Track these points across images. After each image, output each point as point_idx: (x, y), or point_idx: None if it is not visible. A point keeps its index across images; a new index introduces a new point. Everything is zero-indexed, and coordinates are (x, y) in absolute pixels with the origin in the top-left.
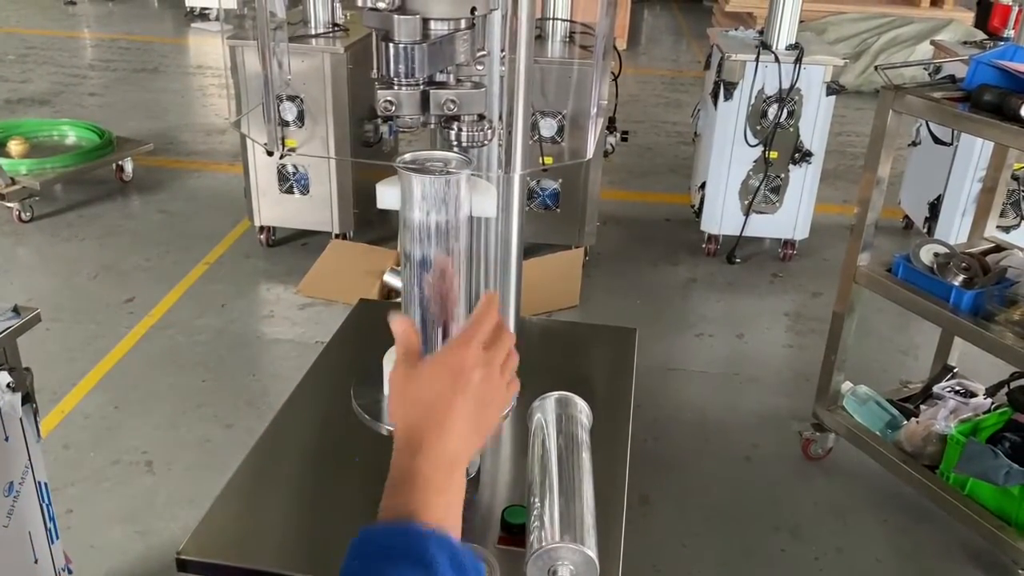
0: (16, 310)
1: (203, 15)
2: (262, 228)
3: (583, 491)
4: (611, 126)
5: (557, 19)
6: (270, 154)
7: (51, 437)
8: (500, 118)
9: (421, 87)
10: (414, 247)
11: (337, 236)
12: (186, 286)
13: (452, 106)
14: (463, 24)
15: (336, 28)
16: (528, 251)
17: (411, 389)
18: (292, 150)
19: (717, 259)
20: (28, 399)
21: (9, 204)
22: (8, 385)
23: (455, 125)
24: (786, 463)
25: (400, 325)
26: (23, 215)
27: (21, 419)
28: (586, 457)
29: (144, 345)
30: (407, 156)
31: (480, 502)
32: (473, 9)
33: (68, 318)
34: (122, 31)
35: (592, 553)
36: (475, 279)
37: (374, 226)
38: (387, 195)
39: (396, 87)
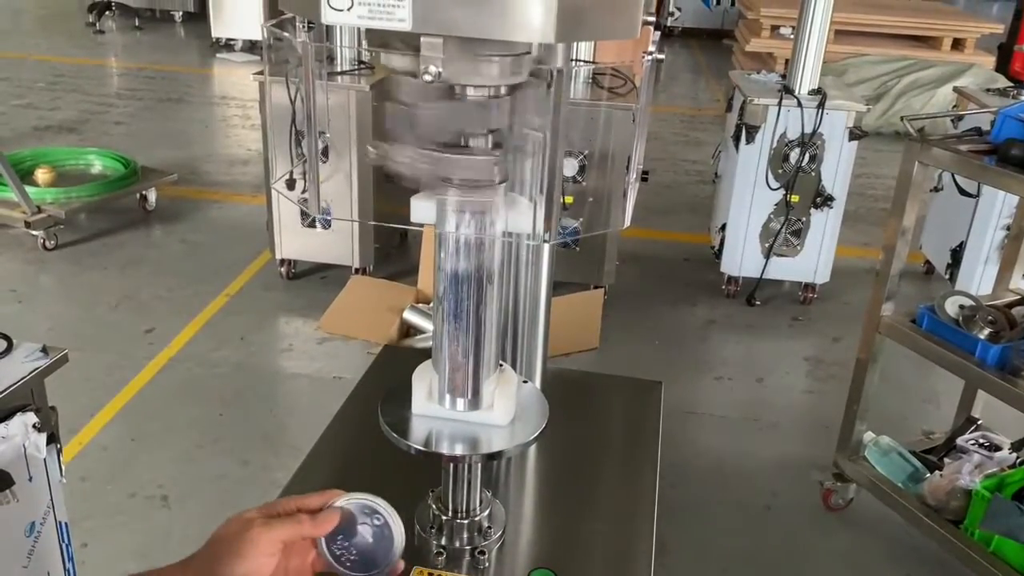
0: (44, 350)
1: (228, 46)
2: (283, 261)
3: None
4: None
5: (580, 61)
6: (288, 181)
7: (68, 469)
8: (540, 191)
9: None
10: (447, 261)
11: (357, 270)
12: (206, 318)
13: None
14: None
15: (362, 65)
16: None
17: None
18: None
19: (737, 301)
20: (53, 439)
21: (34, 232)
22: (34, 426)
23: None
24: (806, 513)
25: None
26: (48, 243)
27: (45, 459)
28: None
29: (163, 377)
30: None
31: (504, 563)
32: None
33: (88, 348)
34: (149, 60)
35: None
36: (507, 328)
37: (393, 260)
38: (422, 209)
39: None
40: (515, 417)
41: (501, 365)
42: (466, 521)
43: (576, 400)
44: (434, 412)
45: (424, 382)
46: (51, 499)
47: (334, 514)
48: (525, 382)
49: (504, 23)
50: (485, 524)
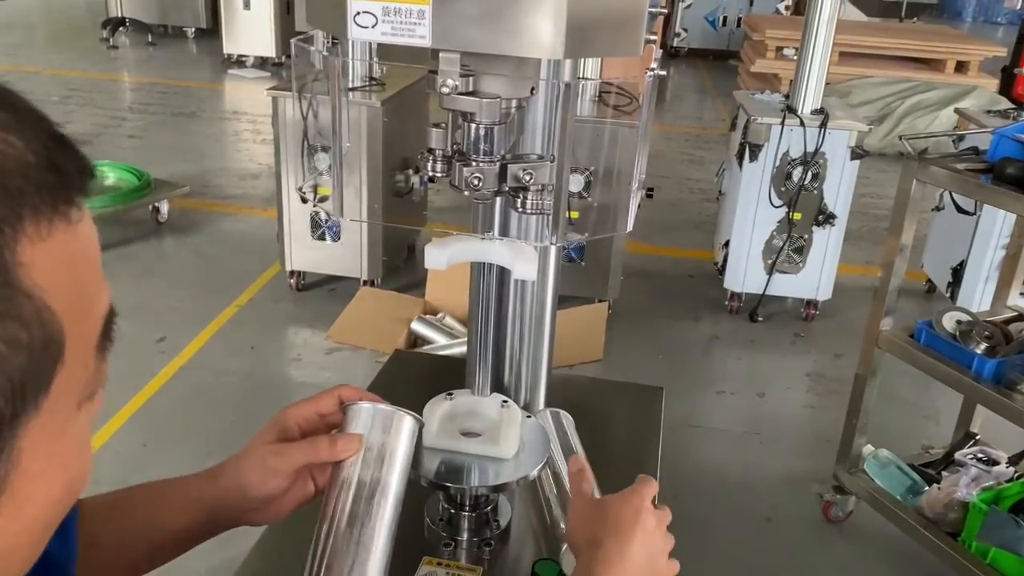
0: None
1: (240, 62)
2: (292, 273)
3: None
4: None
5: (587, 79)
6: (300, 196)
7: None
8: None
9: (498, 162)
10: None
11: (366, 282)
12: (216, 328)
13: (528, 178)
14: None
15: (373, 81)
16: None
17: (597, 515)
18: (324, 199)
19: (740, 317)
20: None
21: None
22: None
23: (522, 194)
24: (806, 525)
25: (576, 464)
26: None
27: None
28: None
29: (174, 385)
30: None
31: (509, 554)
32: (533, 88)
33: None
34: (161, 75)
35: None
36: (511, 339)
37: (401, 273)
38: (435, 256)
39: (477, 164)
40: (519, 450)
41: (506, 402)
42: (473, 514)
43: (579, 404)
44: (444, 445)
45: (435, 416)
46: None
47: (353, 439)
48: (528, 417)
49: (517, 40)
50: (491, 517)
